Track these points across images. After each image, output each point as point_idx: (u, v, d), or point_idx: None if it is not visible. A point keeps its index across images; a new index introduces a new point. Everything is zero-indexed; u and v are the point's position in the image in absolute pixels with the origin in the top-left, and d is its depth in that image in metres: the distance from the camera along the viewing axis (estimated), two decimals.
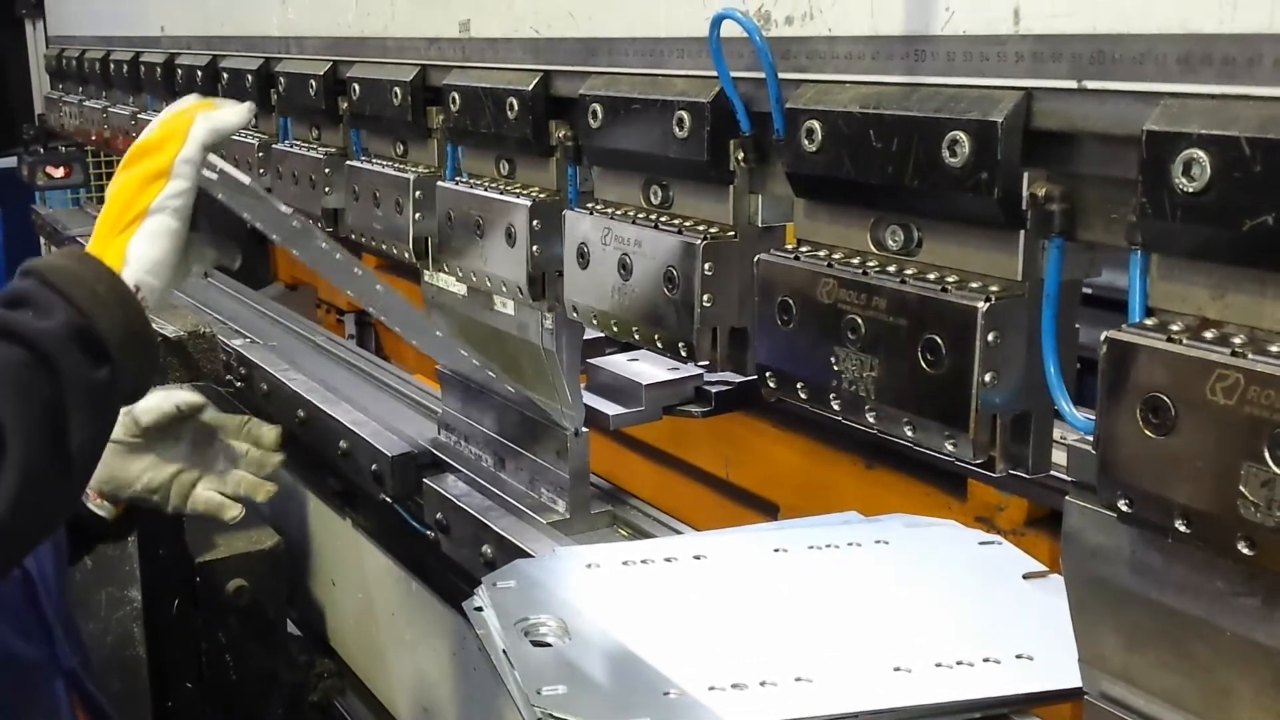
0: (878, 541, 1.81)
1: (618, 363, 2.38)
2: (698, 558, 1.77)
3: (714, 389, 2.38)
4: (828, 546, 1.80)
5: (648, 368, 2.36)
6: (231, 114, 1.65)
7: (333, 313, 5.70)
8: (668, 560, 1.76)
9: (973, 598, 1.64)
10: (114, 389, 1.44)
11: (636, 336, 1.51)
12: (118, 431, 1.98)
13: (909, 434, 1.15)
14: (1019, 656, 1.46)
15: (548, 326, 1.93)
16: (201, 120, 1.61)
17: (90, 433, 1.41)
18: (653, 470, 3.19)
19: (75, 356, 1.39)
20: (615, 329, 1.55)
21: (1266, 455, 0.86)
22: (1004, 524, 2.36)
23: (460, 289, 2.09)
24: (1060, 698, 1.41)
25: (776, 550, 1.79)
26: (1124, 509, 0.97)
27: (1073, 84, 1.00)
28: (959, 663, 1.45)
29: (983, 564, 1.75)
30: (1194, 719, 1.02)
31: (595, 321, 1.59)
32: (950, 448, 1.11)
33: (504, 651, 1.50)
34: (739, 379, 2.44)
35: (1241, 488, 0.88)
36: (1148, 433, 0.94)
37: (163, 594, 2.36)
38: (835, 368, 1.20)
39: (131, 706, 2.33)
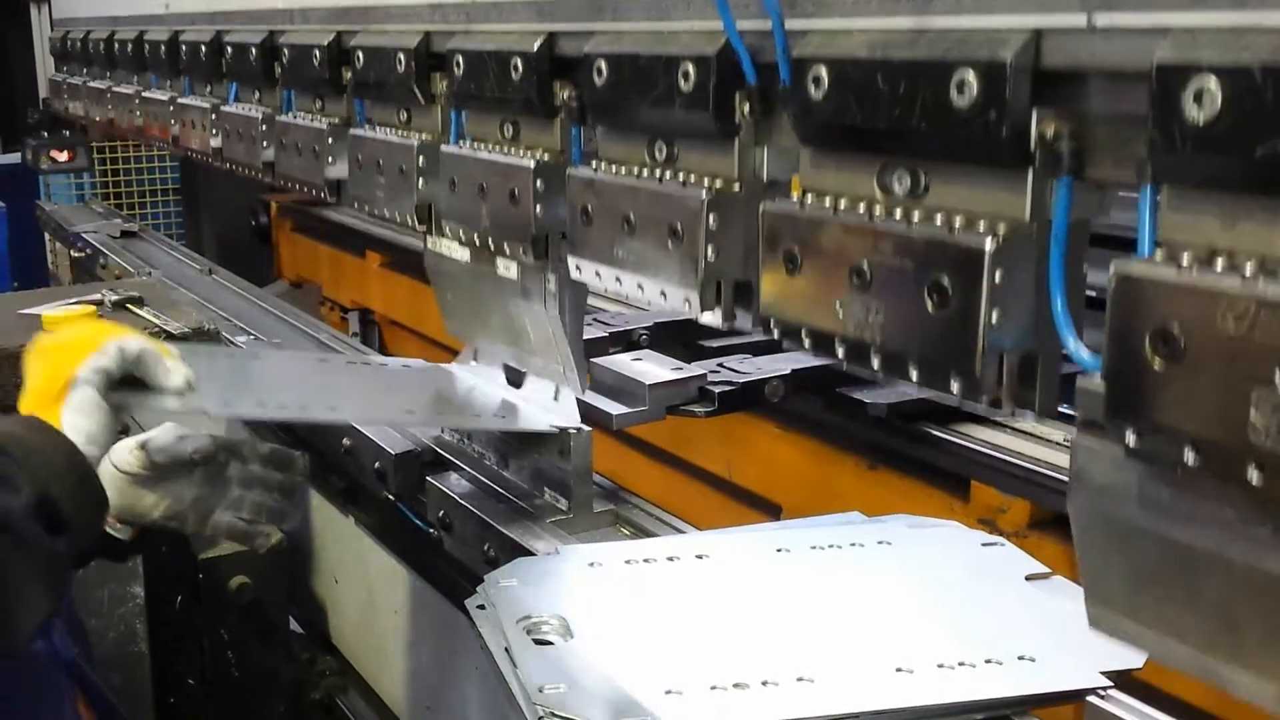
0: (880, 542, 1.81)
1: (621, 362, 2.38)
2: (700, 557, 1.77)
3: (717, 389, 2.38)
4: (830, 547, 1.80)
5: (651, 367, 2.36)
6: (170, 369, 1.73)
7: (336, 310, 5.71)
8: (670, 559, 1.76)
9: (975, 599, 1.63)
10: (68, 556, 1.50)
11: (641, 292, 1.51)
12: (132, 464, 1.99)
13: (915, 377, 1.14)
14: (1021, 658, 1.46)
15: (550, 289, 1.92)
16: (152, 346, 1.72)
17: (44, 604, 1.45)
18: (656, 470, 3.19)
19: (36, 530, 1.42)
20: (619, 285, 1.55)
21: (1277, 380, 0.85)
22: (1006, 526, 2.35)
23: (463, 254, 2.09)
24: (1062, 699, 1.41)
25: (779, 550, 1.79)
26: (1132, 443, 0.97)
27: (1082, 20, 0.99)
28: (961, 664, 1.45)
29: (985, 565, 1.75)
30: (1204, 654, 1.01)
31: (599, 278, 1.59)
32: (956, 389, 1.11)
33: (506, 650, 1.50)
34: (742, 379, 2.44)
35: (1252, 415, 0.87)
36: (1157, 364, 0.93)
37: (165, 591, 2.36)
38: (840, 314, 1.20)
39: (133, 703, 2.33)
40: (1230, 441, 0.89)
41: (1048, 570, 1.70)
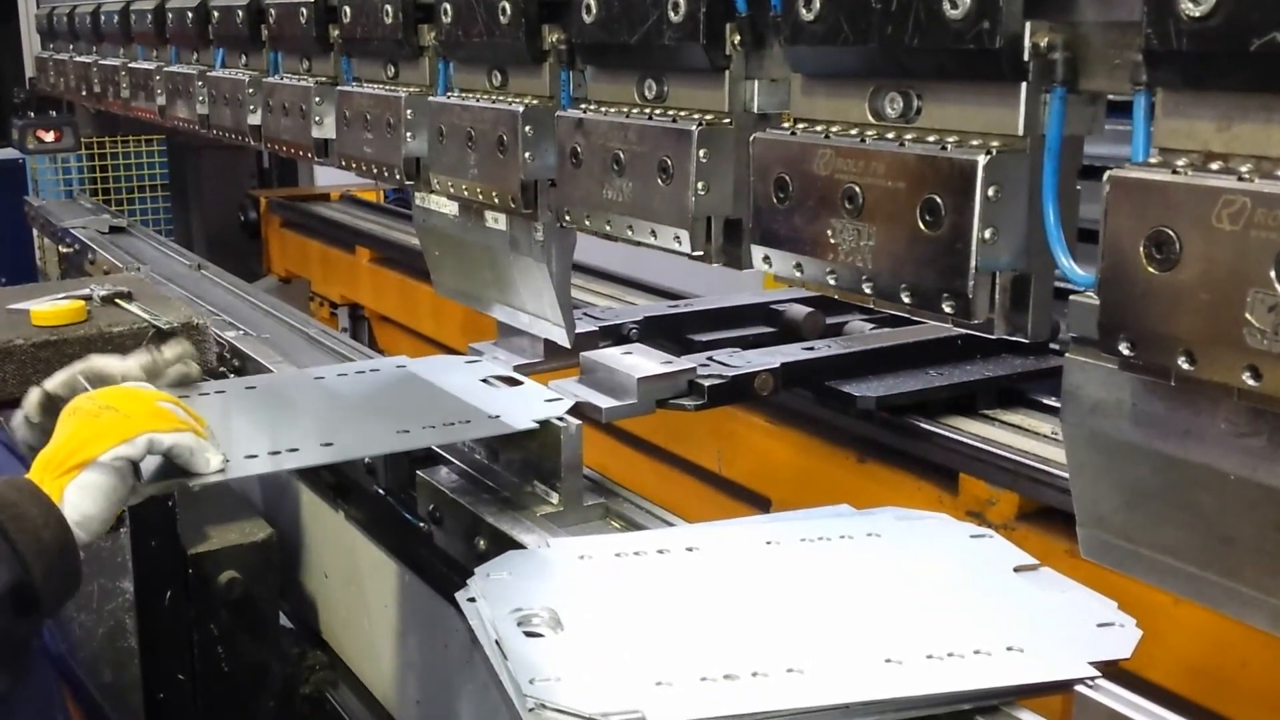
0: (869, 534, 1.82)
1: (611, 356, 2.38)
2: (690, 550, 1.77)
3: (707, 383, 2.38)
4: (819, 539, 1.80)
5: (641, 361, 2.36)
6: (208, 458, 1.64)
7: (326, 305, 5.70)
8: (660, 552, 1.76)
9: (963, 590, 1.64)
10: (30, 638, 1.50)
11: (630, 233, 1.51)
12: None
13: (907, 300, 1.13)
14: (1009, 649, 1.46)
15: (538, 238, 1.92)
16: (187, 437, 1.62)
17: (1, 684, 1.45)
18: (646, 463, 3.19)
19: (8, 614, 1.41)
20: (608, 227, 1.54)
21: (1273, 277, 0.85)
22: (995, 518, 2.36)
23: (451, 208, 2.09)
24: (1050, 689, 1.42)
25: (768, 543, 1.79)
26: (1126, 353, 0.96)
27: None
28: (950, 654, 1.45)
29: (973, 557, 1.75)
30: (1197, 573, 1.01)
31: (589, 222, 1.58)
32: (948, 310, 1.10)
33: (496, 642, 1.50)
34: (731, 372, 2.44)
35: (1247, 315, 0.87)
36: (1151, 270, 0.93)
37: (155, 586, 2.36)
38: (832, 241, 1.19)
39: (123, 698, 2.33)
40: (1225, 345, 0.88)
41: (1035, 562, 1.71)
